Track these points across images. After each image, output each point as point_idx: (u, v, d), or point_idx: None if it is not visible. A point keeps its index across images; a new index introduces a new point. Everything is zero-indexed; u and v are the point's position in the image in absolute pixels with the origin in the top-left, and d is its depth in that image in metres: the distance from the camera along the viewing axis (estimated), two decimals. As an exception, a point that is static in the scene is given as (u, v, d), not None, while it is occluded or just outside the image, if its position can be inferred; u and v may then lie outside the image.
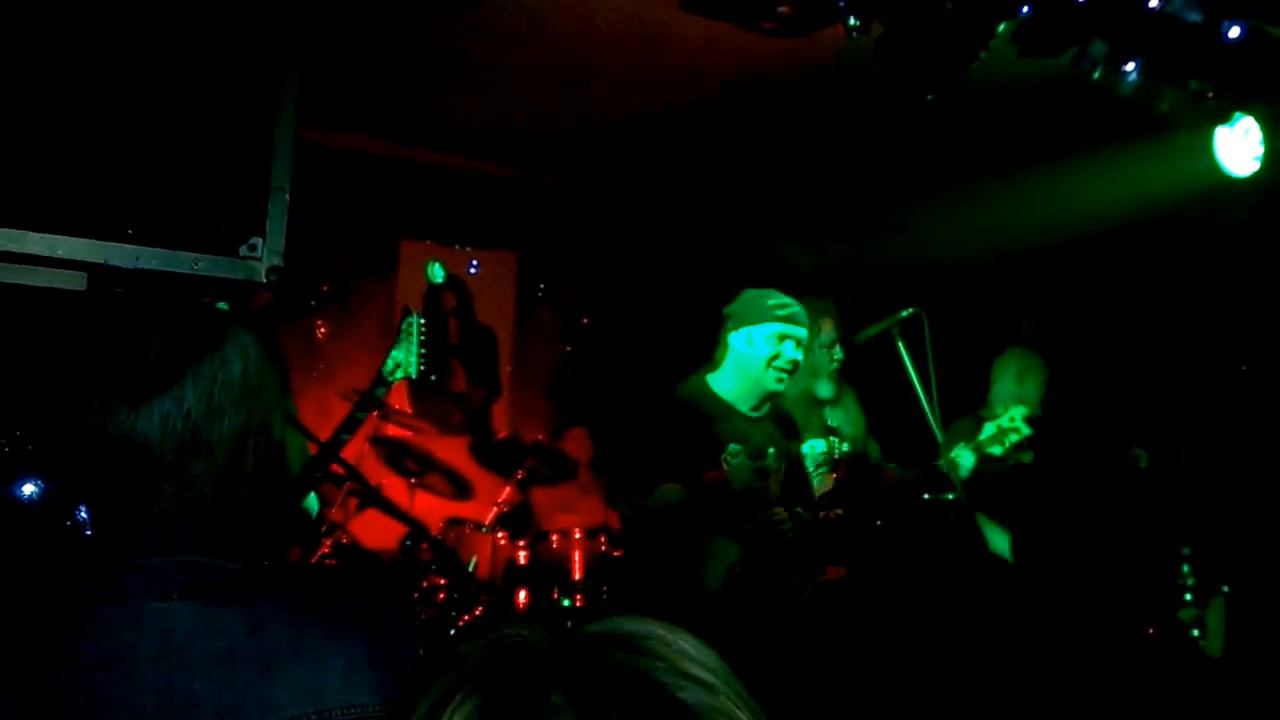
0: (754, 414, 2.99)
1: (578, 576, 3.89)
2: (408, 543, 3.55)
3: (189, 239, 1.66)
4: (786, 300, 2.98)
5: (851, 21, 3.21)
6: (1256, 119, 3.55)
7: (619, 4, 3.43)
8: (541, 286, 4.89)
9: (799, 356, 2.95)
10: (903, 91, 3.37)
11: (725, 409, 2.95)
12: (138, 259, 1.63)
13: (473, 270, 5.31)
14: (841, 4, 3.22)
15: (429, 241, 5.29)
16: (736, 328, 2.97)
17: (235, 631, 1.05)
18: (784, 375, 2.93)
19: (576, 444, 4.73)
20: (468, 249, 5.31)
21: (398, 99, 4.47)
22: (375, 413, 4.29)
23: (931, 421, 3.26)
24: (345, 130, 4.89)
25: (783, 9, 3.40)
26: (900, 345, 3.27)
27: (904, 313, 3.29)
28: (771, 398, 2.99)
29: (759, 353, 2.92)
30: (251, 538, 1.19)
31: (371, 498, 3.45)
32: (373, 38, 3.79)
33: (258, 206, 1.69)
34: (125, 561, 1.08)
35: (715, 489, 2.80)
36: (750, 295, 3.00)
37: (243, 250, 1.68)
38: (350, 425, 2.64)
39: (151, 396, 1.09)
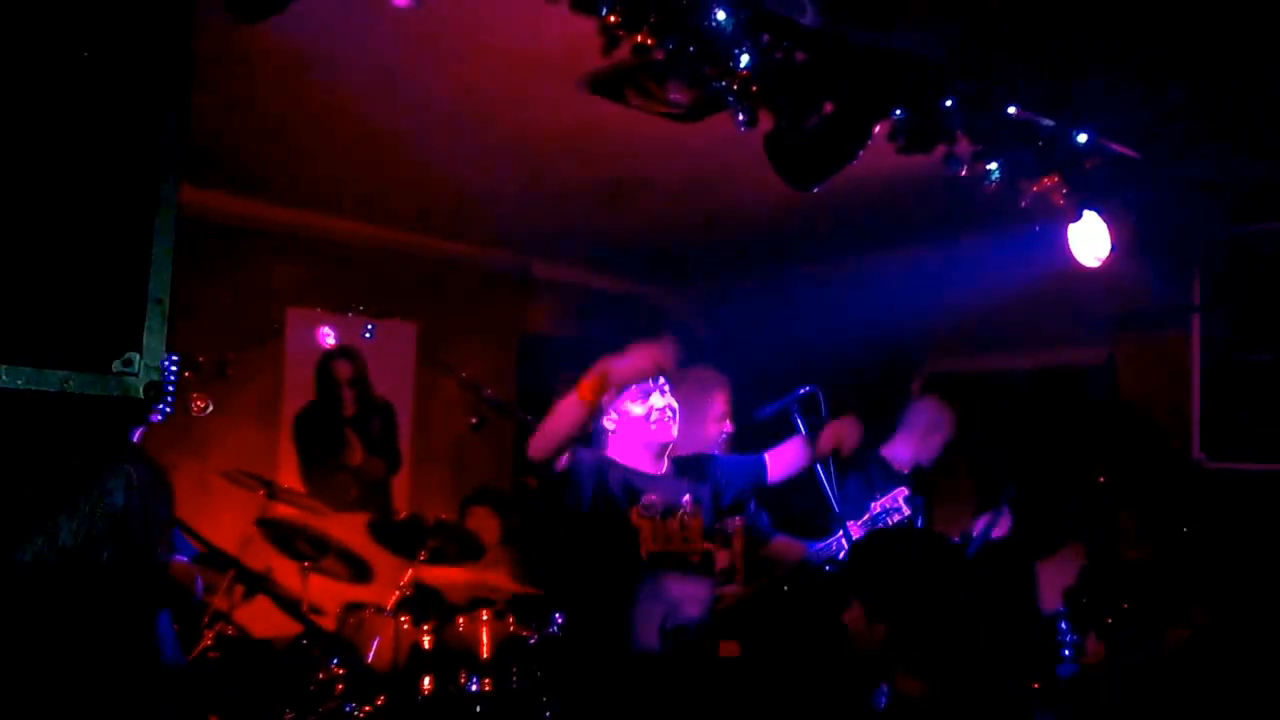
0: (661, 474, 2.94)
1: (486, 658, 3.64)
2: (303, 641, 3.23)
3: (57, 356, 1.41)
4: None
5: (740, 116, 3.18)
6: (1102, 215, 3.68)
7: (518, 83, 3.32)
8: (443, 357, 4.61)
9: (671, 400, 2.92)
10: (790, 183, 3.37)
11: (630, 471, 2.89)
12: (1, 378, 1.38)
13: (367, 335, 4.96)
14: (731, 99, 3.19)
15: (318, 308, 4.93)
16: (605, 410, 2.90)
17: None
18: (666, 422, 2.89)
19: (481, 521, 4.46)
20: (363, 316, 4.96)
21: (284, 163, 4.21)
22: (262, 491, 3.96)
23: (830, 495, 3.22)
24: (228, 192, 4.57)
25: (678, 97, 3.39)
26: (799, 422, 3.24)
27: (801, 390, 3.27)
28: (666, 449, 2.94)
29: (634, 417, 2.89)
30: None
31: (258, 587, 3.13)
32: (264, 107, 3.57)
33: (134, 319, 1.46)
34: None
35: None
36: None
37: (116, 365, 1.44)
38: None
39: (20, 538, 1.01)
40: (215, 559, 2.65)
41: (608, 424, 2.90)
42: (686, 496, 2.90)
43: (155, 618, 2.14)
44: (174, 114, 1.57)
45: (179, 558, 2.70)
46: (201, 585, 2.60)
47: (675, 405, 2.93)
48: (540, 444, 2.63)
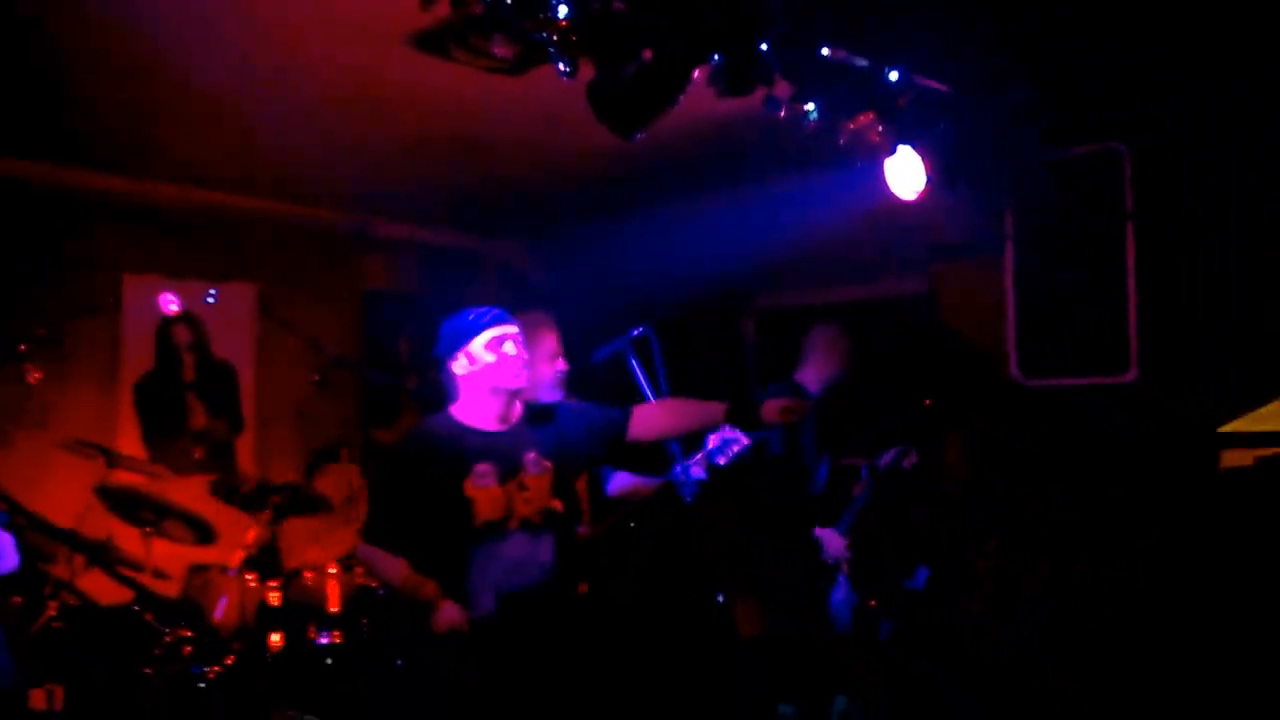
0: (503, 431, 3.00)
1: (334, 611, 3.86)
2: (134, 608, 3.41)
3: None
4: (483, 309, 3.03)
5: (561, 66, 3.39)
6: (915, 149, 4.05)
7: (344, 42, 3.45)
8: (285, 318, 4.73)
9: (523, 352, 3.00)
10: (613, 130, 3.61)
11: (470, 432, 2.97)
12: None
13: (210, 300, 5.05)
14: (551, 50, 3.40)
15: (157, 275, 5.01)
16: (452, 357, 2.99)
17: None
18: (517, 372, 2.96)
19: (331, 481, 4.64)
20: (202, 280, 5.06)
21: (111, 130, 4.26)
22: (101, 460, 4.09)
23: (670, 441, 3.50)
24: (58, 162, 4.60)
25: (502, 51, 3.56)
26: (634, 363, 3.50)
27: (634, 332, 3.52)
28: (515, 397, 3.02)
29: (484, 365, 2.95)
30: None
31: (97, 556, 3.29)
32: (85, 72, 3.61)
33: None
34: None
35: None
36: (448, 326, 3.03)
37: None
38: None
39: None
40: (41, 527, 2.78)
41: (458, 369, 2.97)
42: (531, 454, 2.97)
43: None
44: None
45: None
46: (16, 555, 2.73)
47: (526, 357, 3.00)
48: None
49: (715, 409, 3.16)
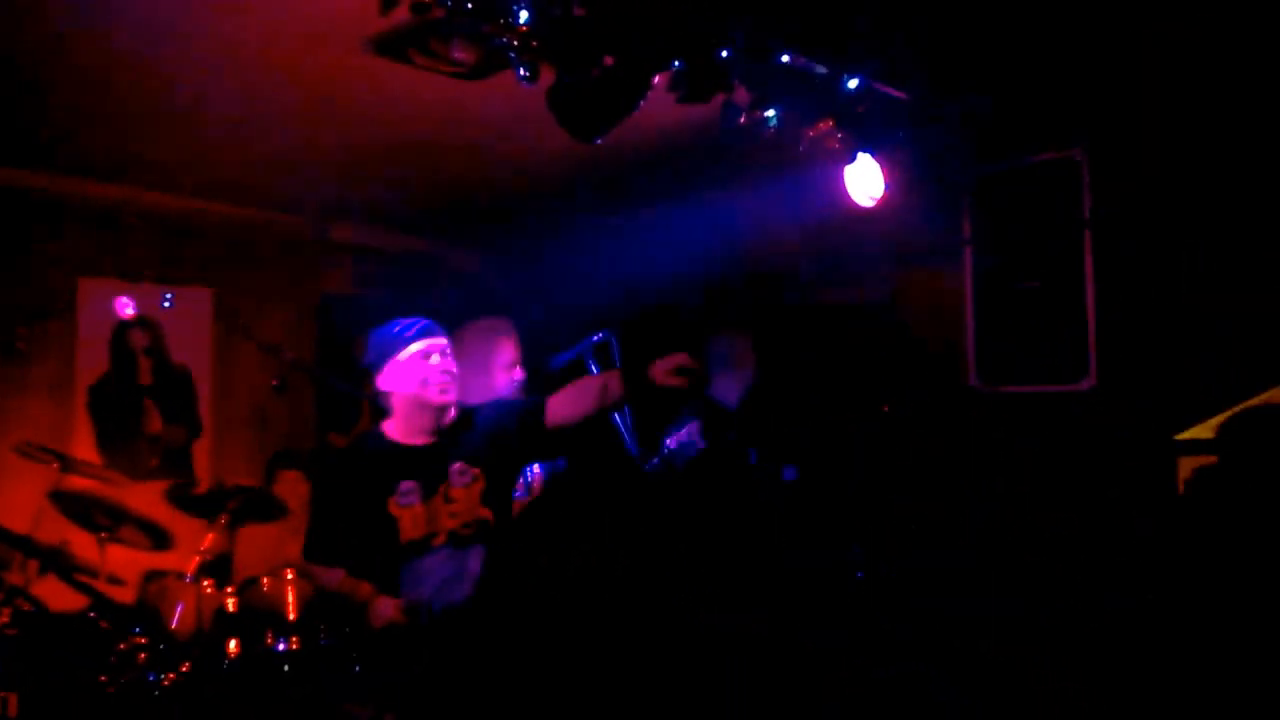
0: (430, 444, 2.98)
1: (292, 618, 3.90)
2: (90, 614, 3.44)
3: None
4: (410, 320, 3.00)
5: (522, 71, 3.47)
6: (874, 157, 4.17)
7: (302, 47, 3.51)
8: (243, 322, 4.80)
9: (450, 364, 2.96)
10: (574, 135, 3.69)
11: (395, 449, 2.96)
12: None
13: (166, 304, 5.10)
14: (512, 55, 3.47)
15: (112, 278, 5.04)
16: (380, 370, 2.97)
17: None
18: (445, 386, 2.93)
19: (289, 486, 4.69)
20: (158, 284, 5.11)
21: (66, 132, 4.29)
22: (55, 464, 4.11)
23: (628, 441, 3.57)
24: (11, 164, 4.63)
25: (462, 55, 3.62)
26: (594, 369, 3.58)
27: (595, 338, 3.59)
28: (444, 413, 2.98)
29: (411, 379, 2.91)
30: None
31: (51, 562, 3.33)
32: (39, 72, 3.65)
33: None
34: None
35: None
36: (375, 337, 3.00)
37: None
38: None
39: None
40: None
41: (383, 384, 2.94)
42: (458, 464, 2.93)
43: None
44: None
45: None
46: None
47: (454, 370, 2.95)
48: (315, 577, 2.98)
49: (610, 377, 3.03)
